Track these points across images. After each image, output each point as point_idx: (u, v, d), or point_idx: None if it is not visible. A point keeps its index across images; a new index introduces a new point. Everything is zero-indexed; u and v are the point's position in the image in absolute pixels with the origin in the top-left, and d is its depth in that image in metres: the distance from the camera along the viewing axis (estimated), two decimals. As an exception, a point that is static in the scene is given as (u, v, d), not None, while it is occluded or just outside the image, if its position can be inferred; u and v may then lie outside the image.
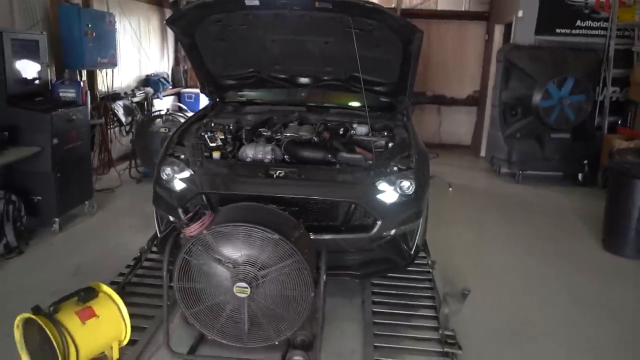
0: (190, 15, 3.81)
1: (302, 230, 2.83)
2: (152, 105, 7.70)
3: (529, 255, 4.64)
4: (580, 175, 7.07)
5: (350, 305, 3.50)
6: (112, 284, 3.38)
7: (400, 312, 3.38)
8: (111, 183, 6.21)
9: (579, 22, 7.36)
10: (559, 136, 7.00)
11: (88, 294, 2.64)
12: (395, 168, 3.43)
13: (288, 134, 3.97)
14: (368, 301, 3.47)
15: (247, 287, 2.62)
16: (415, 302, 3.51)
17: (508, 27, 7.95)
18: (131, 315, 2.76)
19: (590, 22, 7.34)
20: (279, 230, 2.60)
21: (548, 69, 6.85)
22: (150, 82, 8.04)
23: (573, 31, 7.39)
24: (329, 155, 3.62)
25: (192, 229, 2.69)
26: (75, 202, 4.94)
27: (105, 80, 6.61)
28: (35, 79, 4.70)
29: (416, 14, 9.35)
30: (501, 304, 3.69)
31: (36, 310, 2.50)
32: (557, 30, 7.38)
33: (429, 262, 3.90)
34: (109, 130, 6.69)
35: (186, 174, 3.44)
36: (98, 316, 2.60)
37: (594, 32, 7.33)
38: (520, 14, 7.41)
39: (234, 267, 2.65)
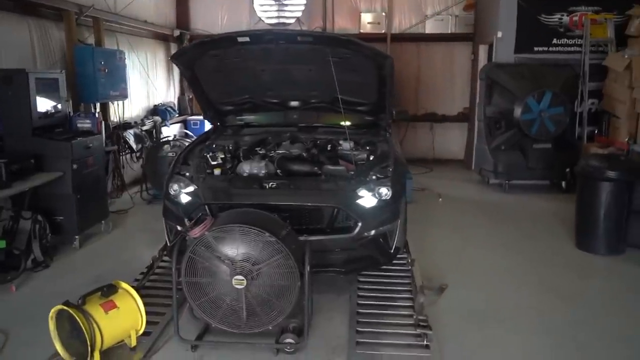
0: (190, 52, 4.41)
1: (289, 229, 3.31)
2: (160, 132, 8.26)
3: (507, 252, 5.10)
4: (563, 183, 7.48)
5: (338, 300, 3.94)
6: (128, 287, 3.85)
7: (382, 303, 3.82)
8: (124, 205, 6.72)
9: (555, 40, 7.88)
10: (541, 147, 7.41)
11: (110, 290, 3.14)
12: (374, 177, 3.92)
13: (280, 151, 4.48)
14: (354, 295, 3.92)
15: (243, 279, 3.10)
16: (396, 295, 3.96)
17: (491, 47, 8.47)
18: (145, 313, 3.23)
19: (565, 39, 7.87)
20: (268, 230, 3.08)
21: (527, 85, 7.29)
22: (158, 111, 8.64)
23: (550, 49, 7.90)
24: (315, 168, 4.13)
25: (196, 232, 3.17)
26: (93, 221, 5.45)
27: (117, 111, 7.20)
28: (55, 112, 5.26)
29: (406, 38, 9.94)
30: (474, 295, 4.12)
31: (67, 303, 2.99)
32: (535, 49, 7.90)
33: (409, 260, 4.35)
34: (121, 157, 7.25)
35: (191, 188, 3.94)
36: (118, 307, 3.08)
37: (569, 48, 7.85)
38: (499, 34, 7.92)
39: (232, 263, 3.12)
